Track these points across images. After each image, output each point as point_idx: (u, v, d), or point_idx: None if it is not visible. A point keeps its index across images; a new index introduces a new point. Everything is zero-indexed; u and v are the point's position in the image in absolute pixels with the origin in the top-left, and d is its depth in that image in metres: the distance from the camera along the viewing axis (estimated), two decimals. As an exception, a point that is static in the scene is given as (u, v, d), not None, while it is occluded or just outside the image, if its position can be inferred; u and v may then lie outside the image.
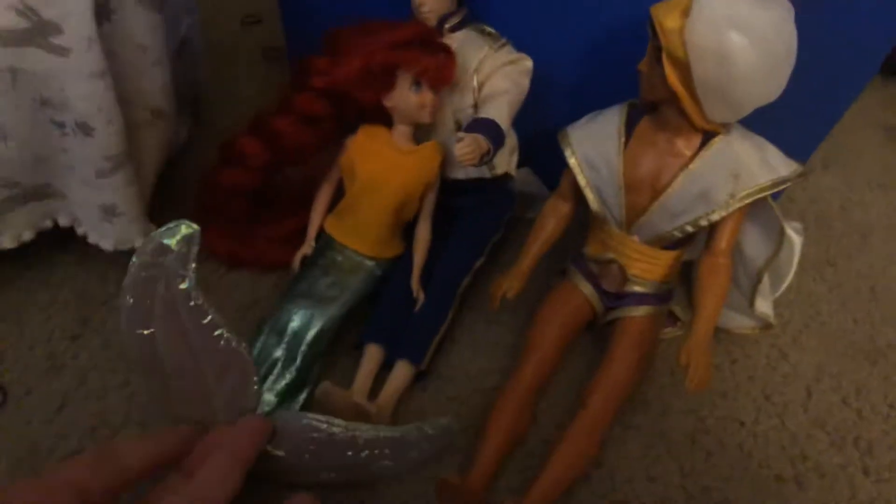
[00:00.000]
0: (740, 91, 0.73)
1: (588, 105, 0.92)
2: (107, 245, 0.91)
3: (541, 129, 0.96)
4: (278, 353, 0.84)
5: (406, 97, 0.87)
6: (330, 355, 0.90)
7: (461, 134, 0.80)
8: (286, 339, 0.84)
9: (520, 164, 1.08)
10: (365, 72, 0.84)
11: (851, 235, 1.21)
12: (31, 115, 0.77)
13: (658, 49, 0.76)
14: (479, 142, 0.81)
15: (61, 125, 0.79)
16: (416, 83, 0.86)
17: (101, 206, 0.86)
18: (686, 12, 0.72)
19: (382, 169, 0.89)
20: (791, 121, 0.90)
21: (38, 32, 0.72)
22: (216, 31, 1.54)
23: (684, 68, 0.74)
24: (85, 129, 0.79)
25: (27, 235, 0.89)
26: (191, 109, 1.17)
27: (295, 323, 0.85)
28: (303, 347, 0.84)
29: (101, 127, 0.79)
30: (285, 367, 0.83)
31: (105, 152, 0.81)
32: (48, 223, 0.90)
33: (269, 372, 0.83)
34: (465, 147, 0.78)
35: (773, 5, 0.71)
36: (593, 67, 1.00)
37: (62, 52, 0.73)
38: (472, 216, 1.01)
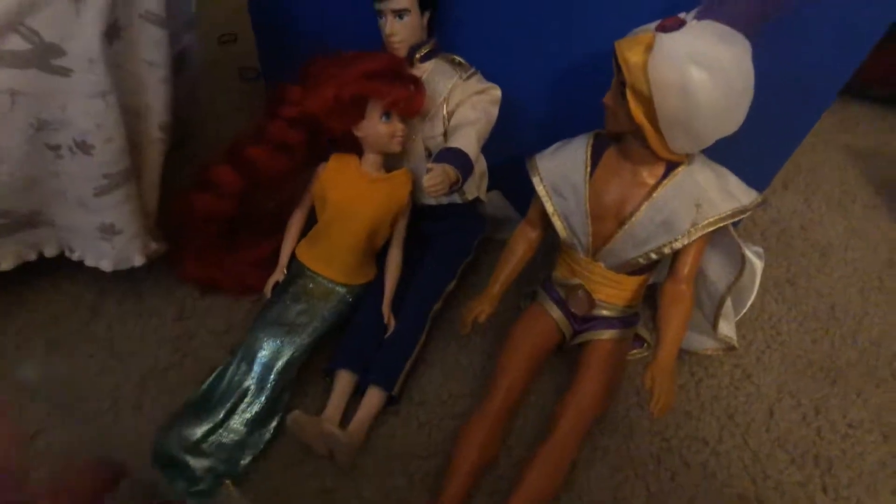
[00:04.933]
0: (702, 124, 0.76)
1: (556, 132, 0.94)
2: (106, 266, 0.90)
3: (510, 153, 0.98)
4: (248, 382, 0.84)
5: (376, 127, 0.88)
6: (300, 382, 0.91)
7: (430, 165, 0.81)
8: (256, 368, 0.85)
9: (490, 188, 1.10)
10: (336, 102, 0.86)
11: (811, 255, 1.25)
12: (26, 139, 0.77)
13: (623, 83, 0.78)
14: (447, 172, 0.83)
15: (56, 148, 0.79)
16: (386, 113, 0.88)
17: (98, 227, 0.86)
18: (649, 48, 0.75)
19: (353, 197, 0.91)
20: (751, 148, 0.93)
21: (40, 54, 0.72)
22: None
23: (648, 102, 0.76)
24: (84, 148, 0.79)
25: (6, 265, 0.88)
26: (184, 124, 1.18)
27: (265, 351, 0.85)
28: (272, 376, 0.84)
29: (101, 145, 0.79)
30: (255, 396, 0.83)
31: (104, 170, 0.81)
32: (32, 255, 0.90)
33: (241, 401, 0.83)
34: (434, 179, 0.79)
35: (733, 41, 0.74)
36: (562, 96, 1.02)
37: (64, 72, 0.74)
38: (443, 240, 1.02)
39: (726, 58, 0.73)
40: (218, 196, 0.90)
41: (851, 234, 1.32)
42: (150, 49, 0.84)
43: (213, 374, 0.86)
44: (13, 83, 0.73)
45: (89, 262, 0.90)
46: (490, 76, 0.97)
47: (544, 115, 1.05)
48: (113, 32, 0.78)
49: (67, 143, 0.79)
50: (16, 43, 0.71)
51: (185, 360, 0.93)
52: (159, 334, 0.96)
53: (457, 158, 0.86)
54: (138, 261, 0.92)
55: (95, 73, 0.75)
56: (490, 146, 1.00)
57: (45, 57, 0.73)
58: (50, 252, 0.90)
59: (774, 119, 0.95)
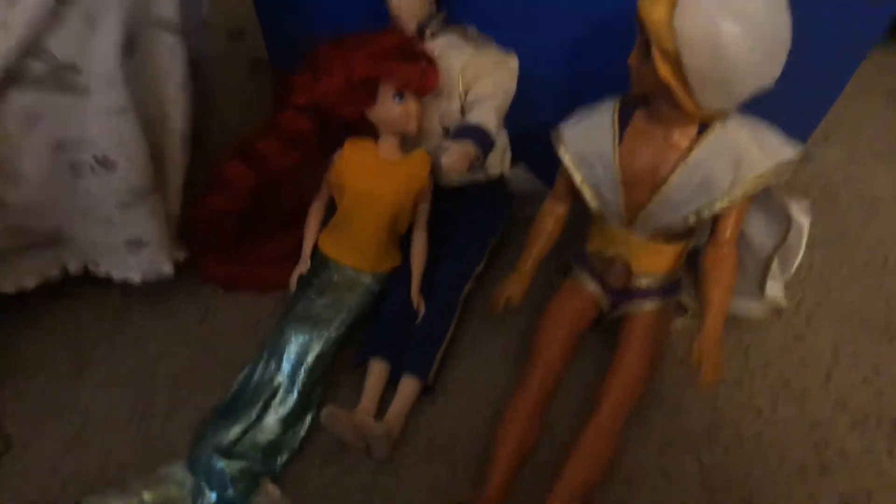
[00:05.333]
0: (735, 79, 0.70)
1: (580, 98, 0.89)
2: (134, 277, 0.89)
3: (533, 124, 0.93)
4: (280, 378, 0.82)
5: (390, 108, 0.85)
6: (332, 376, 0.88)
7: (447, 144, 0.78)
8: (285, 365, 0.83)
9: (514, 161, 1.06)
10: (346, 86, 0.82)
11: (859, 207, 1.18)
12: (46, 160, 0.76)
13: (647, 42, 0.73)
14: (466, 150, 0.79)
15: (77, 167, 0.78)
16: (399, 94, 0.84)
17: (125, 241, 0.85)
18: (674, 3, 0.70)
19: (371, 182, 0.88)
20: (789, 100, 0.87)
21: (56, 74, 0.71)
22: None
23: (675, 60, 0.71)
24: (107, 165, 0.78)
25: (29, 282, 0.87)
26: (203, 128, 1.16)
27: (293, 347, 0.83)
28: (302, 372, 0.82)
29: (124, 161, 0.78)
30: (287, 393, 0.82)
31: (128, 185, 0.80)
32: (55, 272, 0.89)
33: (272, 399, 0.82)
34: (452, 157, 0.76)
35: None
36: (583, 60, 0.97)
37: (82, 91, 0.73)
38: (469, 220, 0.99)
39: (759, 7, 0.67)
40: (232, 194, 0.88)
41: (897, 183, 1.25)
42: (166, 57, 0.82)
43: (242, 375, 0.84)
44: (29, 105, 0.72)
45: (117, 276, 0.90)
46: (506, 45, 0.93)
47: (567, 81, 1.00)
48: (130, 46, 0.76)
49: (89, 161, 0.78)
50: (30, 64, 0.69)
51: (213, 360, 0.92)
52: (186, 336, 0.95)
53: (475, 135, 0.82)
54: (167, 269, 0.91)
55: (114, 89, 0.74)
56: (512, 117, 0.96)
57: (61, 76, 0.71)
58: (74, 268, 0.89)
59: (812, 68, 0.89)
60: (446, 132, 0.92)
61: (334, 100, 0.83)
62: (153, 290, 0.98)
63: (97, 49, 0.72)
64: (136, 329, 0.96)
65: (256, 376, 0.83)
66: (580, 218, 0.92)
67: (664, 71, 0.73)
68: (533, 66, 0.95)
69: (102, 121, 0.75)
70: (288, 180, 0.90)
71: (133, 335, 0.95)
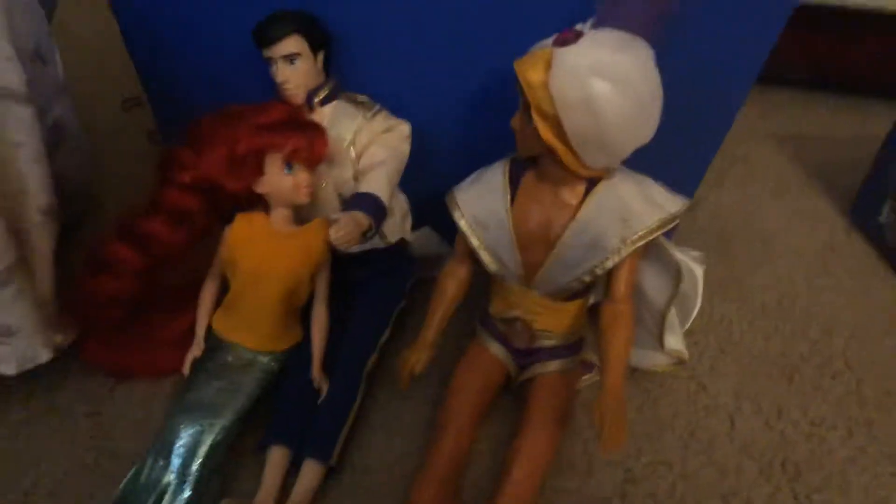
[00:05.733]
0: (614, 137, 0.72)
1: (480, 159, 0.89)
2: (8, 369, 0.83)
3: (434, 186, 0.93)
4: (168, 477, 0.76)
5: (279, 180, 0.83)
6: (233, 464, 0.83)
7: (335, 216, 0.76)
8: (175, 461, 0.77)
9: (420, 225, 1.05)
10: (231, 160, 0.80)
11: (754, 247, 1.23)
12: None
13: (528, 104, 0.74)
14: (357, 220, 0.78)
15: None
16: (288, 165, 0.82)
17: None
18: (549, 65, 0.71)
19: (265, 256, 0.84)
20: (676, 151, 0.91)
21: None
22: (97, 114, 1.47)
23: (555, 121, 0.72)
24: None
25: None
26: (82, 198, 1.10)
27: (183, 440, 0.77)
28: (195, 465, 0.76)
29: None
30: (177, 492, 0.75)
31: None
32: None
33: (161, 499, 0.75)
34: (340, 230, 0.74)
35: (633, 48, 0.70)
36: (477, 122, 0.98)
37: None
38: (371, 289, 0.97)
39: (628, 66, 0.69)
40: (116, 276, 0.83)
41: (790, 220, 1.30)
42: (16, 129, 0.77)
43: (127, 478, 0.77)
44: None
45: None
46: (397, 111, 0.92)
47: (463, 143, 1.01)
48: None
49: None
50: None
51: (101, 458, 0.85)
52: (73, 433, 0.88)
53: (366, 203, 0.81)
54: (45, 357, 0.85)
55: None
56: (412, 182, 0.95)
57: None
58: None
59: (693, 118, 0.93)
60: (342, 200, 0.91)
61: (219, 175, 0.81)
62: (35, 387, 0.91)
63: None
64: (12, 428, 0.88)
65: (143, 478, 0.77)
66: (486, 279, 0.91)
67: (545, 132, 0.74)
68: (430, 130, 0.96)
69: None
70: (176, 260, 0.86)
71: (9, 435, 0.87)
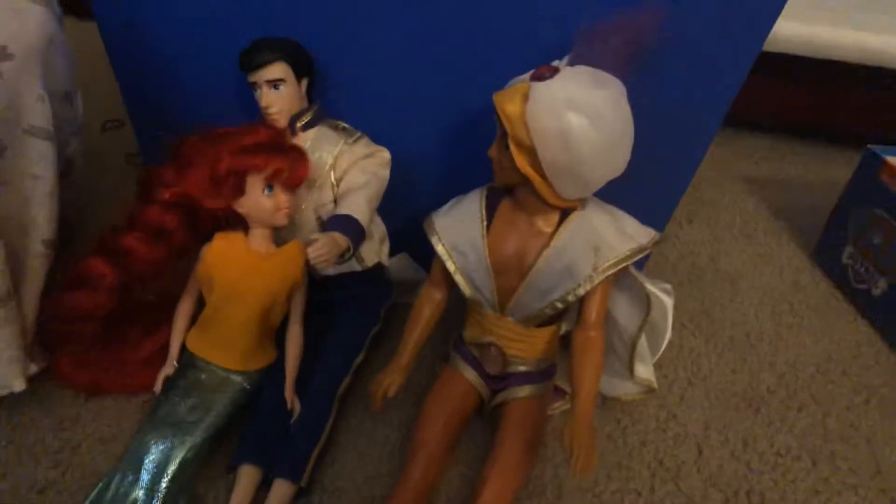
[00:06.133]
0: (587, 169, 0.75)
1: (456, 187, 0.92)
2: None
3: (413, 214, 0.95)
4: (136, 492, 0.75)
5: (259, 201, 0.84)
6: (202, 483, 0.82)
7: (314, 236, 0.77)
8: (144, 476, 0.76)
9: (397, 251, 1.07)
10: (212, 180, 0.81)
11: (722, 284, 1.26)
12: None
13: (505, 135, 0.77)
14: (335, 240, 0.79)
15: None
16: (269, 186, 0.83)
17: None
18: (526, 98, 0.74)
19: (242, 275, 0.85)
20: (646, 186, 0.94)
21: None
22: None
23: (530, 152, 0.75)
24: None
25: None
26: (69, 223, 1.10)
27: (153, 456, 0.77)
28: (164, 482, 0.76)
29: None
30: (145, 508, 0.75)
31: None
32: None
33: (127, 515, 0.74)
34: (319, 250, 0.76)
35: (606, 84, 0.74)
36: (456, 151, 1.01)
37: None
38: (346, 311, 0.98)
39: (602, 101, 0.73)
40: (92, 291, 0.83)
41: (758, 260, 1.34)
42: (37, 163, 0.79)
43: (95, 491, 0.76)
44: None
45: None
46: (378, 138, 0.95)
47: (441, 172, 1.04)
48: None
49: None
50: None
51: (66, 475, 0.83)
52: (40, 451, 0.86)
53: (345, 225, 0.83)
54: (18, 387, 0.85)
55: None
56: (391, 208, 0.97)
57: None
58: None
59: (664, 155, 0.96)
60: (321, 223, 0.92)
61: (200, 193, 0.82)
62: (3, 397, 0.90)
63: None
64: (-23, 445, 0.87)
65: (111, 492, 0.76)
66: (461, 305, 0.92)
67: (521, 162, 0.76)
68: (408, 158, 0.98)
69: None
70: (153, 277, 0.86)
71: (-26, 452, 0.86)
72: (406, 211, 0.99)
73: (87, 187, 1.34)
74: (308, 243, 0.76)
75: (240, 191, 0.83)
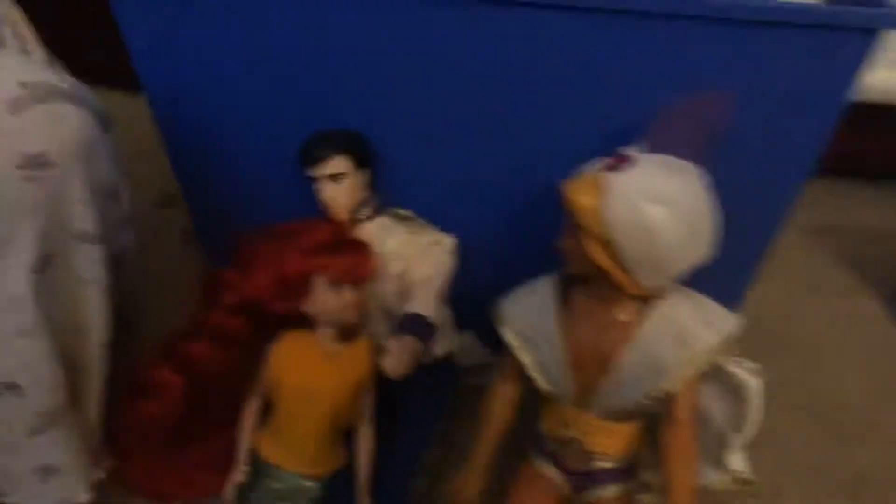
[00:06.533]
0: (671, 258, 0.71)
1: (519, 271, 0.88)
2: None
3: (477, 293, 0.91)
4: None
5: (326, 301, 0.81)
6: None
7: (388, 343, 0.74)
8: None
9: (460, 330, 1.03)
10: (278, 283, 0.79)
11: (799, 351, 1.19)
12: None
13: (578, 227, 0.73)
14: (409, 346, 0.76)
15: None
16: (335, 285, 0.81)
17: (34, 469, 0.77)
18: (599, 190, 0.71)
19: (312, 377, 0.82)
20: (719, 264, 0.89)
21: None
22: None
23: (608, 245, 0.71)
24: (12, 389, 0.71)
25: None
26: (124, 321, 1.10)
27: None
28: None
29: (31, 385, 0.72)
30: None
31: (36, 409, 0.73)
32: None
33: None
34: (395, 361, 0.73)
35: (683, 172, 0.71)
36: (518, 235, 0.98)
37: None
38: (414, 405, 0.94)
39: (680, 189, 0.69)
40: (161, 401, 0.81)
41: (835, 320, 1.27)
42: (86, 267, 0.78)
43: None
44: None
45: None
46: (441, 223, 0.92)
47: (503, 256, 1.00)
48: (43, 262, 0.72)
49: None
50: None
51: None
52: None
53: (416, 326, 0.80)
54: (84, 498, 0.83)
55: (20, 310, 0.69)
56: (454, 292, 0.94)
57: None
58: None
59: (736, 233, 0.91)
60: (387, 314, 0.89)
61: (266, 296, 0.80)
62: None
63: (6, 272, 0.67)
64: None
65: None
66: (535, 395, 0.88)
67: (598, 255, 0.73)
68: (472, 241, 0.95)
69: (7, 343, 0.70)
70: (222, 384, 0.84)
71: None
72: (471, 290, 0.95)
73: (143, 272, 1.34)
74: (380, 352, 0.73)
75: (306, 292, 0.81)
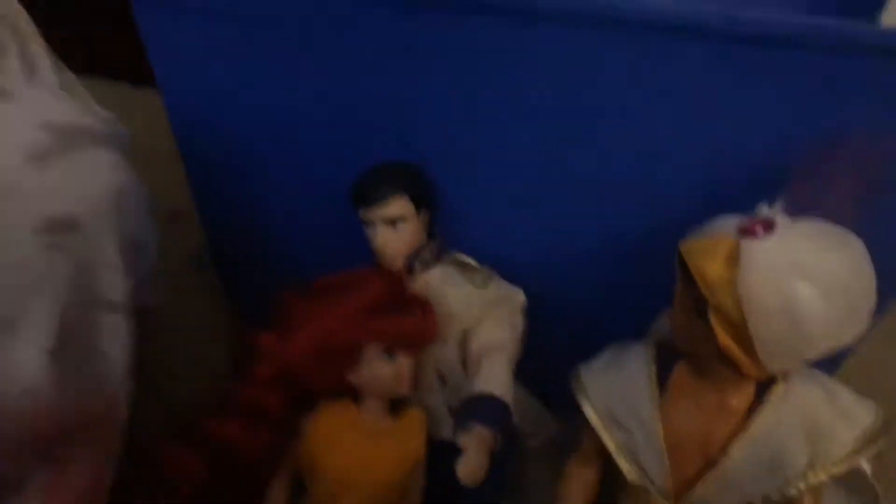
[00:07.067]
0: (812, 344, 0.58)
1: (596, 326, 0.76)
2: None
3: (534, 344, 0.78)
4: None
5: (377, 371, 0.68)
6: None
7: (461, 440, 0.61)
8: None
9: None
10: (322, 353, 0.66)
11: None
12: None
13: (697, 299, 0.60)
14: (483, 441, 0.62)
15: None
16: (389, 352, 0.67)
17: None
18: (733, 260, 0.57)
19: (356, 459, 0.69)
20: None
21: None
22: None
23: (739, 325, 0.58)
24: None
25: None
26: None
27: None
28: None
29: None
30: None
31: None
32: None
33: None
34: (468, 465, 0.59)
35: (843, 243, 0.57)
36: (599, 285, 0.83)
37: None
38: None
39: (838, 265, 0.56)
40: (175, 491, 0.67)
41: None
42: (108, 340, 0.64)
43: None
44: None
45: None
46: (504, 271, 0.78)
47: (578, 312, 0.86)
48: (62, 342, 0.57)
49: None
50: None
51: None
52: None
53: (489, 412, 0.66)
54: None
55: (34, 399, 0.55)
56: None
57: None
58: None
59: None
60: (442, 380, 0.76)
61: (307, 368, 0.66)
62: None
63: (18, 354, 0.53)
64: None
65: None
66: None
67: (724, 338, 0.59)
68: (540, 292, 0.81)
69: None
70: (252, 465, 0.70)
71: None
72: (536, 353, 0.81)
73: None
74: (460, 460, 0.59)
75: (354, 362, 0.67)
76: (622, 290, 0.80)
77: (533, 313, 0.80)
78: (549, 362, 0.77)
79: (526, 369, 0.82)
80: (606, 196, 0.75)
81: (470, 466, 0.58)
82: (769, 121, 0.66)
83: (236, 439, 0.66)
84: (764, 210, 0.59)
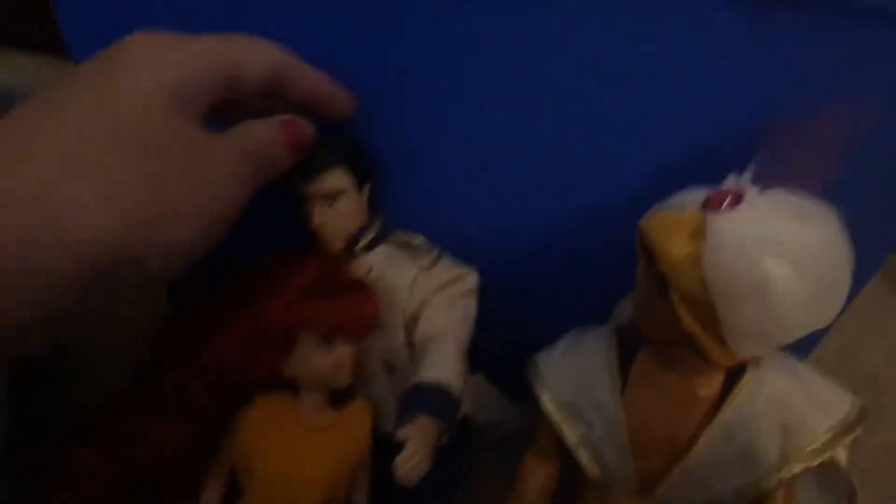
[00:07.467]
0: (784, 326, 0.53)
1: (553, 305, 0.73)
2: None
3: (490, 327, 0.72)
4: None
5: (314, 360, 0.62)
6: None
7: (399, 432, 0.55)
8: None
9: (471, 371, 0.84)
10: (251, 342, 0.59)
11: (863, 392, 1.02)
12: None
13: (660, 280, 0.54)
14: (426, 433, 0.56)
15: None
16: (327, 340, 0.61)
17: None
18: (698, 236, 0.52)
19: (295, 459, 0.63)
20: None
21: None
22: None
23: (705, 307, 0.52)
24: None
25: None
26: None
27: None
28: None
29: None
30: None
31: None
32: None
33: None
34: (409, 461, 0.53)
35: (816, 215, 0.52)
36: (558, 268, 0.78)
37: None
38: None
39: (811, 239, 0.50)
40: (73, 489, 0.60)
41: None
42: None
43: None
44: None
45: None
46: (457, 250, 0.72)
47: (534, 294, 0.81)
48: None
49: None
50: None
51: None
52: None
53: (434, 402, 0.60)
54: None
55: None
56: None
57: None
58: None
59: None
60: (390, 368, 0.70)
61: (234, 361, 0.60)
62: None
63: None
64: None
65: None
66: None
67: (689, 322, 0.54)
68: (493, 273, 0.75)
69: None
70: (168, 465, 0.64)
71: None
72: (483, 324, 0.75)
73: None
74: (397, 462, 0.54)
75: (287, 351, 0.61)
76: (587, 269, 0.74)
77: (491, 295, 0.74)
78: (511, 349, 0.72)
79: (487, 356, 0.76)
80: (571, 168, 0.69)
81: (408, 462, 0.52)
82: (752, 88, 0.60)
83: (156, 435, 0.60)
84: (731, 180, 0.54)
